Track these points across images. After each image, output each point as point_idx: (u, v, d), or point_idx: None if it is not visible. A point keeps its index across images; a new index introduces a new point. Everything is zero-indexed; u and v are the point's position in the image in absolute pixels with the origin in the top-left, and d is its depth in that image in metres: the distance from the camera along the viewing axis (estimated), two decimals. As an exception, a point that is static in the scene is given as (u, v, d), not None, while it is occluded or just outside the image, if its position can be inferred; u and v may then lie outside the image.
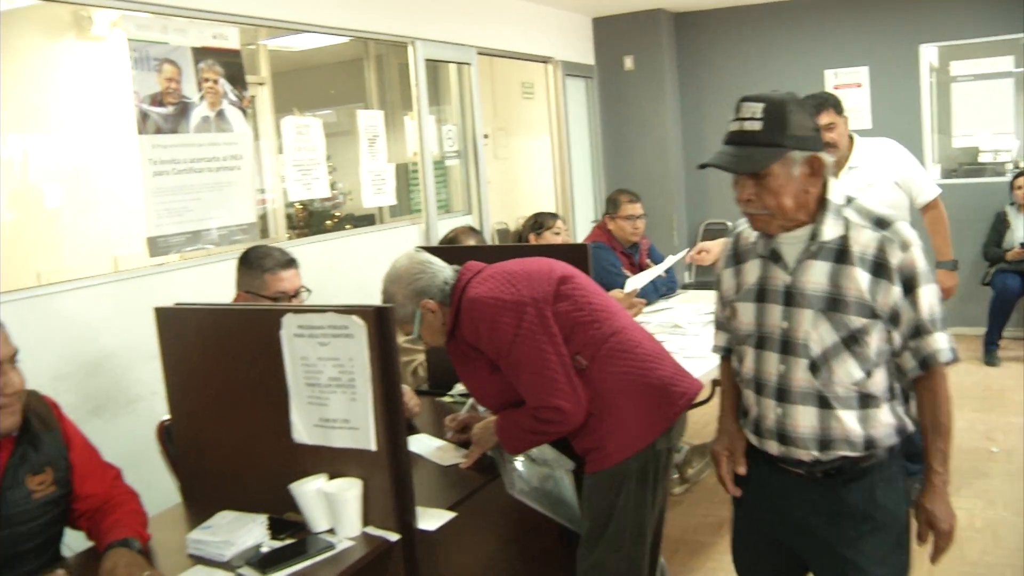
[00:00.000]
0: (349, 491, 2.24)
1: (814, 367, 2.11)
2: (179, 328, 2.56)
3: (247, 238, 4.30)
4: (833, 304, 2.08)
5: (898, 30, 7.47)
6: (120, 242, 4.30)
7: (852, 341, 2.08)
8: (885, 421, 2.13)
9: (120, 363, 3.74)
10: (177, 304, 2.60)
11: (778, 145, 2.06)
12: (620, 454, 2.54)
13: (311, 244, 5.00)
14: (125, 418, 3.72)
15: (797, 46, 7.83)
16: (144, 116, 3.79)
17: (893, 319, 2.07)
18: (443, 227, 5.85)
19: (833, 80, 7.66)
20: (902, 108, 7.46)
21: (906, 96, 7.49)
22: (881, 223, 2.09)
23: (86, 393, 3.62)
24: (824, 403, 2.12)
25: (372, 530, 2.26)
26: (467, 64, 6.28)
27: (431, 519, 2.33)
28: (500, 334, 2.49)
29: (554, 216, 4.92)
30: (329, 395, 2.30)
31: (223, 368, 2.49)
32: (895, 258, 2.05)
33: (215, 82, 4.11)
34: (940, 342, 2.07)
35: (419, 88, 5.68)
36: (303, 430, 2.36)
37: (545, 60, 7.40)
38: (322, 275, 4.59)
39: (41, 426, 2.29)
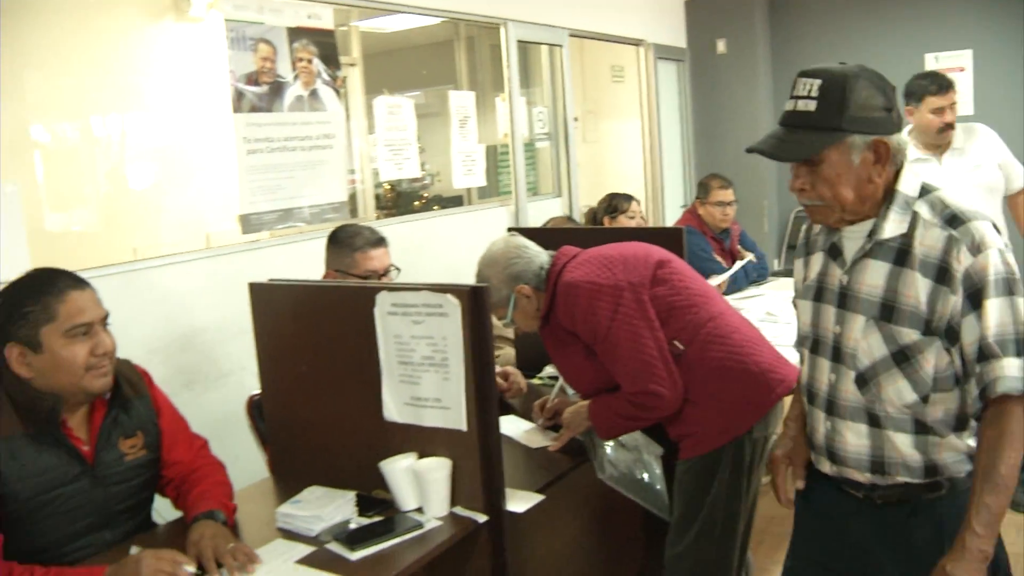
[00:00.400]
0: (438, 471, 2.22)
1: (861, 381, 1.87)
2: (272, 304, 2.58)
3: (338, 217, 4.32)
4: (886, 312, 1.82)
5: (1006, 12, 7.16)
6: (214, 219, 4.38)
7: (902, 358, 1.81)
8: (954, 445, 1.84)
9: (211, 338, 3.79)
10: (271, 280, 2.62)
11: (834, 129, 1.81)
12: (715, 441, 2.49)
13: (399, 224, 5.01)
14: (215, 392, 3.76)
15: (896, 28, 7.54)
16: (239, 95, 3.82)
17: (950, 335, 1.77)
18: (532, 209, 5.83)
19: (934, 64, 7.36)
20: (1008, 94, 7.16)
21: (1012, 81, 7.19)
22: (954, 220, 1.79)
23: (178, 366, 3.67)
24: (875, 421, 1.88)
25: (460, 510, 2.25)
26: (559, 46, 6.22)
27: (520, 501, 2.31)
28: (597, 318, 2.46)
29: (629, 198, 4.83)
30: (421, 374, 2.28)
31: (315, 344, 2.49)
32: (962, 262, 1.74)
33: (309, 62, 4.13)
34: (1009, 369, 1.70)
35: (511, 70, 5.64)
36: (394, 408, 2.35)
37: (637, 43, 7.29)
38: (410, 255, 4.59)
39: (132, 392, 2.34)
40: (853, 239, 1.91)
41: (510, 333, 3.64)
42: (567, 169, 6.31)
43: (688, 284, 2.59)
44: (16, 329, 2.10)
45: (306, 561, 2.05)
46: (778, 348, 2.72)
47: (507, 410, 3.05)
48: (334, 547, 2.09)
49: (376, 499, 2.31)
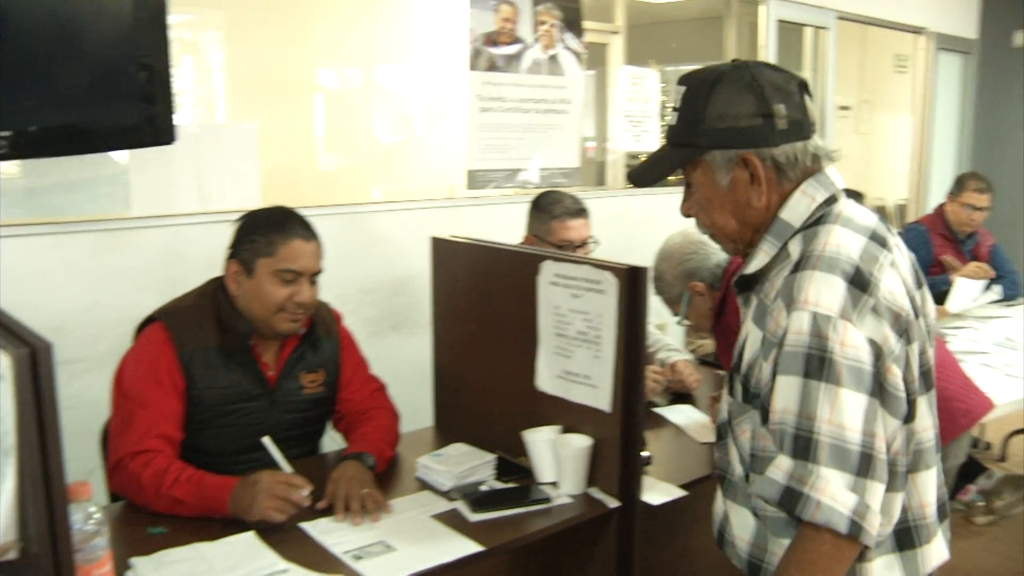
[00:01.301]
0: (577, 448, 2.19)
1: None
2: (450, 260, 2.63)
3: (568, 182, 4.34)
4: (735, 366, 1.55)
5: None
6: (453, 172, 4.50)
7: (727, 421, 1.57)
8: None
9: (423, 285, 3.90)
10: (452, 236, 2.67)
11: (687, 144, 1.52)
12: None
13: (637, 197, 4.95)
14: (421, 338, 3.87)
15: None
16: (477, 53, 3.90)
17: (764, 407, 1.44)
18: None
19: None
20: None
21: None
22: (801, 263, 1.42)
23: (388, 309, 3.84)
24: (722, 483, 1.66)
25: (596, 492, 2.21)
26: (824, 28, 5.88)
27: (658, 493, 2.24)
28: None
29: (858, 197, 4.49)
30: (575, 348, 2.26)
31: (484, 305, 2.52)
32: (778, 320, 1.40)
33: (551, 26, 4.15)
34: (773, 470, 1.38)
35: (767, 50, 5.42)
36: (546, 378, 2.34)
37: (916, 31, 6.76)
38: (638, 229, 4.54)
39: (324, 332, 2.47)
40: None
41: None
42: (820, 159, 5.99)
43: None
44: (241, 249, 2.30)
45: (440, 518, 2.08)
46: (1006, 377, 2.46)
47: (685, 399, 2.97)
48: (460, 505, 2.12)
49: (516, 465, 2.32)
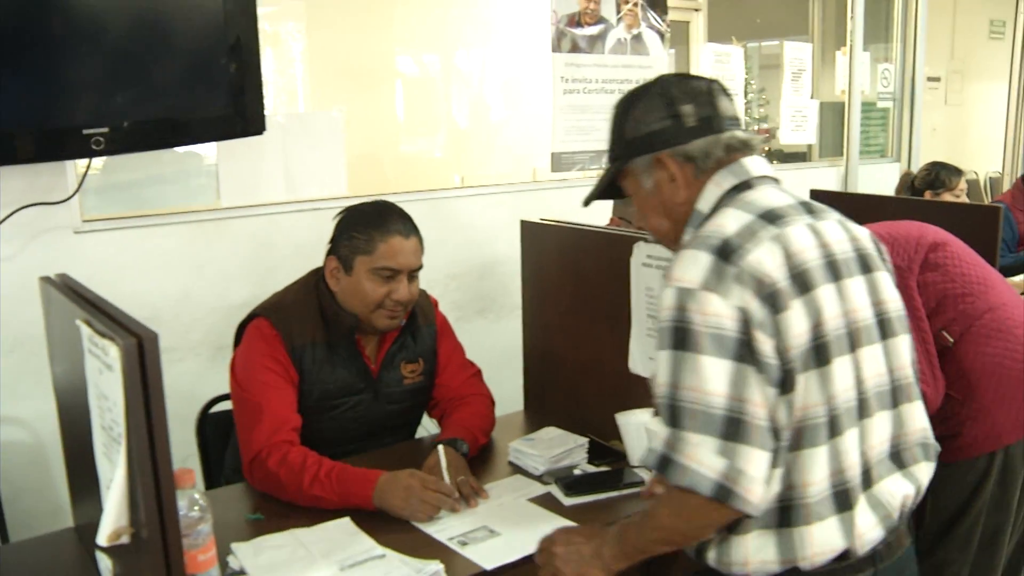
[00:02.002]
0: (671, 431, 2.16)
1: None
2: (540, 244, 2.62)
3: (652, 163, 4.28)
4: None
5: None
6: (537, 155, 4.49)
7: None
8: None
9: (510, 269, 3.88)
10: (541, 219, 2.65)
11: (615, 158, 1.65)
12: (982, 447, 2.23)
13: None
14: (508, 322, 3.90)
15: None
16: (560, 35, 3.87)
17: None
18: (864, 173, 5.46)
19: None
20: None
21: None
22: (689, 243, 1.49)
23: (476, 293, 3.84)
24: None
25: (691, 476, 2.18)
26: (915, -4, 5.71)
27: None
28: None
29: (958, 173, 4.31)
30: (667, 330, 2.22)
31: (575, 286, 2.51)
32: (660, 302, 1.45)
33: (635, 4, 4.10)
34: (654, 439, 1.41)
35: (855, 21, 5.27)
36: (639, 360, 2.32)
37: (1016, -6, 6.53)
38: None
39: (423, 321, 2.47)
40: None
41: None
42: (909, 133, 5.83)
43: (965, 270, 2.31)
44: (341, 246, 2.29)
45: (537, 501, 2.08)
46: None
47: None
48: (553, 489, 2.11)
49: (609, 449, 2.30)
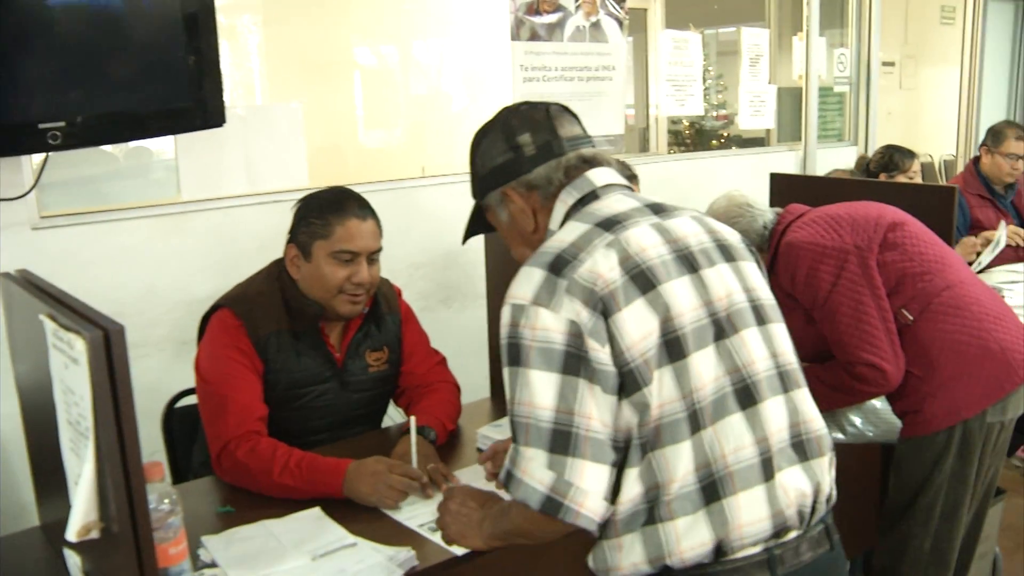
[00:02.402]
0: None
1: None
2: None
3: (613, 149, 4.31)
4: None
5: None
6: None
7: None
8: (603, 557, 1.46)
9: (474, 258, 3.90)
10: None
11: (474, 196, 1.69)
12: (942, 421, 2.28)
13: (685, 161, 4.93)
14: (472, 311, 3.90)
15: None
16: (519, 23, 3.87)
17: None
18: (822, 156, 5.53)
19: None
20: None
21: None
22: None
23: (439, 283, 3.84)
24: None
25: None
26: (869, -18, 5.78)
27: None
28: (817, 282, 2.32)
29: (911, 155, 4.37)
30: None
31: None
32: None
33: (593, -8, 4.11)
34: (511, 458, 1.40)
35: (811, 6, 5.32)
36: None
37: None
38: (686, 193, 4.51)
39: (387, 309, 2.47)
40: None
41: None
42: (866, 117, 5.90)
43: (923, 249, 2.36)
44: (299, 233, 2.29)
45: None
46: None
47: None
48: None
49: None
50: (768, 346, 1.50)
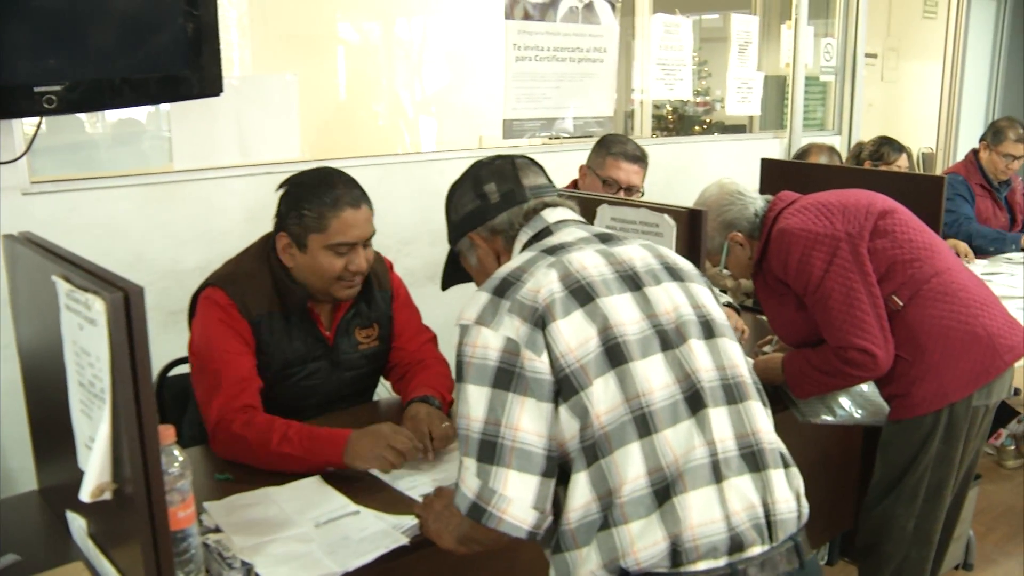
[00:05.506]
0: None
1: None
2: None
3: (602, 131, 4.31)
4: None
5: None
6: (485, 122, 4.50)
7: None
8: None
9: (462, 237, 3.93)
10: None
11: (449, 243, 1.81)
12: (929, 405, 2.32)
13: (669, 145, 4.94)
14: (458, 288, 3.91)
15: None
16: (513, 2, 3.87)
17: None
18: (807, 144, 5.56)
19: None
20: None
21: None
22: None
23: (427, 260, 3.83)
24: None
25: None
26: (855, -26, 5.80)
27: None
28: (809, 268, 2.35)
29: (900, 150, 4.44)
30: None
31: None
32: None
33: (587, -28, 4.12)
34: (462, 472, 1.45)
35: (797, -3, 5.35)
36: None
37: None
38: (669, 177, 4.54)
39: (378, 286, 2.46)
40: None
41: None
42: (850, 107, 5.95)
43: (912, 236, 2.41)
44: (291, 224, 2.25)
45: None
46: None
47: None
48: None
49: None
50: (715, 358, 1.51)
